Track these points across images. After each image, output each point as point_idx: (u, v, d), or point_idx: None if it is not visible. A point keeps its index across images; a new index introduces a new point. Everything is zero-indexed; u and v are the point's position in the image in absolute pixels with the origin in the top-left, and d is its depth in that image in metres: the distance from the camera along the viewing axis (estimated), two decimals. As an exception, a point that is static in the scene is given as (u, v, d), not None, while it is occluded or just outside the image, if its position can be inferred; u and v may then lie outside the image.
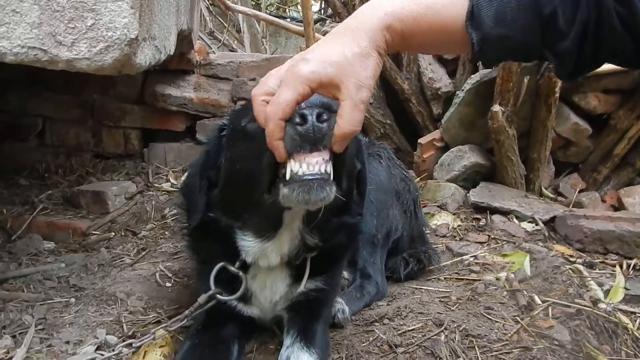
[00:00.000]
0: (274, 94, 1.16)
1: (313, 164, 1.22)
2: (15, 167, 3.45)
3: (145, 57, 1.56)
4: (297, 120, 1.19)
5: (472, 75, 3.34)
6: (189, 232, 1.77)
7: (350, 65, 1.11)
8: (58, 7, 1.34)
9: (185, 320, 1.63)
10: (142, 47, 1.49)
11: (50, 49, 1.34)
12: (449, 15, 1.13)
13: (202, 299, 1.61)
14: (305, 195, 1.24)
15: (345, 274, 2.21)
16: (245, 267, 1.62)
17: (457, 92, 3.43)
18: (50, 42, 1.33)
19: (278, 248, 1.56)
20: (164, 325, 1.69)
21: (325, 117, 1.20)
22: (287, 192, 1.26)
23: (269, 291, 1.68)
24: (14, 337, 1.84)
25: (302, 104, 1.18)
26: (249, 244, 1.56)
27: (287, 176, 1.24)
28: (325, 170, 1.24)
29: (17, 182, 3.32)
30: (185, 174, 1.75)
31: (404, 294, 2.15)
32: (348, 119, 1.13)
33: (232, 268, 1.60)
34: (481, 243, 2.78)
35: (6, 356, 1.71)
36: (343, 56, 1.11)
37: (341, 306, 1.89)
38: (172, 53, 2.16)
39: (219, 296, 1.60)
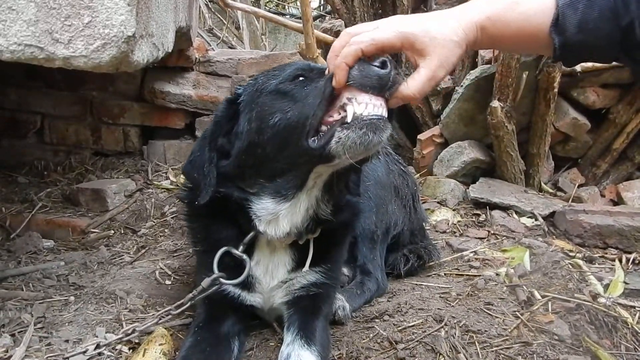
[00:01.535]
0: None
1: (378, 106, 1.27)
2: (14, 165, 3.45)
3: (143, 54, 1.55)
4: (377, 63, 1.25)
5: (471, 71, 3.34)
6: (192, 216, 1.76)
7: (443, 45, 1.23)
8: (54, 5, 1.33)
9: (189, 303, 1.63)
10: (139, 45, 1.48)
11: (47, 46, 1.34)
12: (538, 22, 1.24)
13: (205, 282, 1.60)
14: (371, 135, 1.27)
15: (346, 270, 2.21)
16: (249, 252, 1.62)
17: (457, 88, 3.42)
18: (47, 40, 1.33)
19: (292, 214, 1.53)
20: (166, 309, 1.68)
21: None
22: (347, 133, 1.28)
23: (269, 276, 1.68)
24: (13, 335, 1.84)
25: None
26: (263, 206, 1.52)
27: (349, 118, 1.27)
28: (385, 114, 1.29)
29: (15, 180, 3.31)
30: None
31: (404, 290, 2.15)
32: (418, 85, 1.25)
33: (235, 252, 1.59)
34: (481, 239, 2.78)
35: (5, 355, 1.71)
36: (442, 35, 1.23)
37: (342, 303, 1.89)
38: (170, 50, 2.15)
39: (222, 280, 1.59)
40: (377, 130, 1.27)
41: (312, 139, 1.35)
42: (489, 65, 3.27)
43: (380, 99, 1.28)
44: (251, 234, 1.59)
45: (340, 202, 1.60)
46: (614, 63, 1.40)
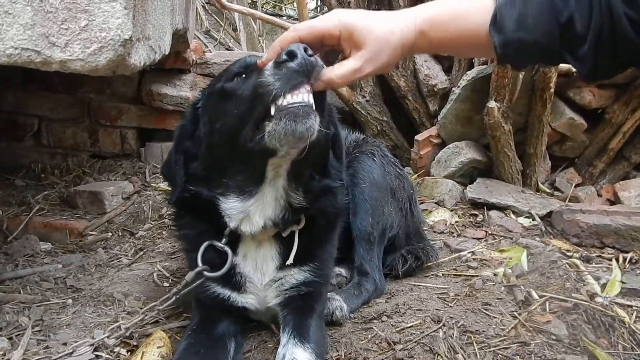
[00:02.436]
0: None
1: (297, 93, 1.28)
2: (11, 168, 3.44)
3: (140, 57, 1.55)
4: (284, 57, 1.26)
5: (468, 72, 3.35)
6: (176, 215, 1.79)
7: (379, 42, 1.25)
8: (51, 9, 1.33)
9: (174, 298, 1.64)
10: (136, 48, 1.48)
11: (43, 50, 1.34)
12: (477, 22, 1.24)
13: (189, 276, 1.61)
14: (292, 124, 1.28)
15: (343, 271, 2.21)
16: (233, 246, 1.62)
17: (453, 89, 3.43)
18: (43, 43, 1.33)
19: (262, 208, 1.54)
20: (151, 305, 1.70)
21: (310, 52, 1.28)
22: (272, 126, 1.30)
23: (260, 272, 1.67)
24: (10, 339, 1.84)
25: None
26: (231, 206, 1.55)
27: (272, 112, 1.29)
28: (308, 100, 1.30)
29: (13, 183, 3.30)
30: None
31: (402, 290, 2.16)
32: (343, 72, 1.28)
33: (218, 244, 1.60)
34: (479, 239, 2.79)
35: (3, 358, 1.70)
36: (380, 32, 1.25)
37: (339, 303, 1.89)
38: (167, 52, 2.15)
39: (206, 273, 1.60)
40: (297, 117, 1.28)
41: (250, 143, 1.38)
42: (485, 66, 3.28)
43: (303, 87, 1.29)
44: (227, 229, 1.60)
45: (313, 188, 1.58)
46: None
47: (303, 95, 1.29)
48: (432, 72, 3.66)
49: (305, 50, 1.27)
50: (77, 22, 1.34)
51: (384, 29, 1.26)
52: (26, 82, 3.50)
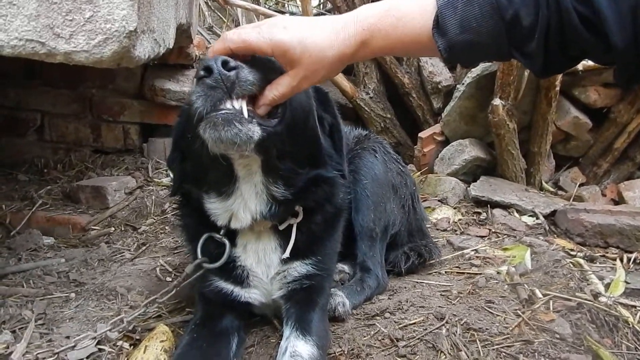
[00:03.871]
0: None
1: (224, 100, 1.27)
2: (14, 163, 3.44)
3: (145, 50, 1.55)
4: (202, 72, 1.24)
5: (473, 69, 3.33)
6: (179, 208, 1.82)
7: (314, 58, 1.21)
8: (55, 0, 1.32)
9: (174, 291, 1.65)
10: (141, 40, 1.47)
11: (48, 41, 1.33)
12: (418, 26, 1.19)
13: (189, 268, 1.62)
14: (214, 133, 1.27)
15: (346, 267, 2.21)
16: (232, 238, 1.62)
17: (458, 86, 3.42)
18: (48, 35, 1.32)
19: (244, 204, 1.54)
20: (152, 298, 1.70)
21: (232, 64, 1.25)
22: (205, 136, 1.29)
23: (264, 263, 1.67)
24: (13, 332, 1.84)
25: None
26: (214, 206, 1.56)
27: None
28: (233, 106, 1.27)
29: (16, 178, 3.31)
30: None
31: (405, 287, 2.15)
32: (280, 91, 1.26)
33: (217, 236, 1.60)
34: (482, 237, 2.78)
35: (6, 351, 1.70)
36: (316, 47, 1.21)
37: (341, 299, 1.88)
38: (171, 46, 2.15)
39: (205, 265, 1.60)
40: (217, 126, 1.26)
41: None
42: (490, 64, 3.26)
43: (225, 103, 1.27)
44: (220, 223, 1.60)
45: (298, 179, 1.55)
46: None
47: (225, 103, 1.27)
48: (436, 69, 3.65)
49: (225, 64, 1.24)
50: (81, 13, 1.33)
51: (321, 45, 1.21)
52: (28, 78, 3.50)
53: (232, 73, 1.24)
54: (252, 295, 1.70)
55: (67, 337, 1.82)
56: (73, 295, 2.12)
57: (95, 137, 3.61)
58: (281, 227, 1.62)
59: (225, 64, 1.23)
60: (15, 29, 1.29)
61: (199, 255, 1.60)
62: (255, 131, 1.29)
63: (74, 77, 3.46)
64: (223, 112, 1.26)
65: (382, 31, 1.21)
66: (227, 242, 1.60)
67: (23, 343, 1.73)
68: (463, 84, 3.34)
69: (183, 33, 2.82)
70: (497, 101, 3.09)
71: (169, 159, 1.76)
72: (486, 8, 1.12)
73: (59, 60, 1.36)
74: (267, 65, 1.33)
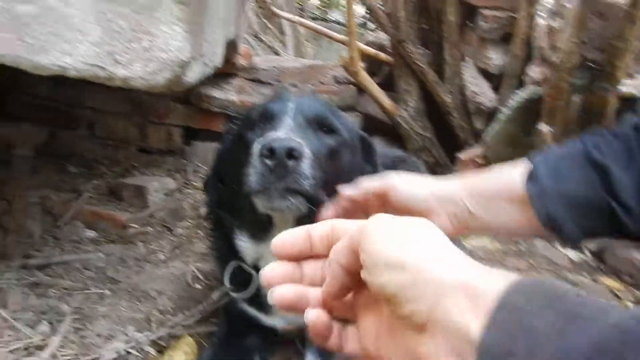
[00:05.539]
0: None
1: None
2: (66, 155, 3.61)
3: (194, 74, 1.64)
4: (265, 151, 1.25)
5: (518, 92, 3.25)
6: (210, 224, 1.87)
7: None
8: (118, 29, 1.42)
9: (200, 315, 1.70)
10: (192, 67, 1.56)
11: (108, 66, 1.43)
12: (514, 187, 1.22)
13: (215, 295, 1.67)
14: (266, 203, 1.32)
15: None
16: (260, 268, 1.65)
17: (502, 108, 3.32)
18: (108, 61, 1.42)
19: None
20: (177, 320, 1.77)
21: (296, 153, 1.27)
22: (252, 199, 1.33)
23: None
24: (51, 324, 1.95)
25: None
26: (245, 245, 1.59)
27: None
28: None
29: (67, 169, 3.47)
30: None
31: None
32: None
33: (245, 266, 1.63)
34: (520, 270, 2.67)
35: (42, 343, 1.82)
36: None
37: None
38: (219, 64, 2.24)
39: (232, 293, 1.65)
40: (271, 198, 1.31)
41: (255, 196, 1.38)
42: (537, 87, 3.17)
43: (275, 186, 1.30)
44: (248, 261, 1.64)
45: None
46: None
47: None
48: (480, 90, 3.58)
49: (290, 152, 1.25)
50: (140, 42, 1.43)
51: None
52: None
53: (292, 163, 1.27)
54: (275, 321, 1.74)
55: (99, 335, 1.93)
56: (108, 292, 2.23)
57: (142, 137, 3.76)
58: None
59: (290, 153, 1.25)
60: (81, 54, 1.40)
61: (227, 283, 1.65)
62: (304, 204, 1.34)
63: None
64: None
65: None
66: (254, 273, 1.63)
67: (58, 336, 1.84)
68: (508, 106, 3.24)
69: (230, 46, 2.92)
70: (543, 126, 2.98)
71: (205, 181, 1.81)
72: (577, 156, 1.14)
73: (117, 84, 1.47)
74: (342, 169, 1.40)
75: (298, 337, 1.86)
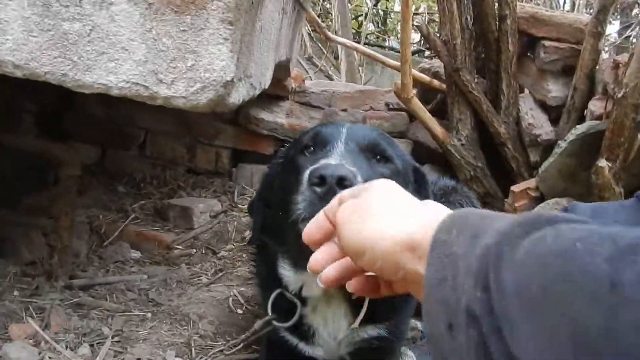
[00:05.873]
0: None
1: None
2: (116, 174, 3.68)
3: (239, 95, 1.60)
4: (315, 179, 1.21)
5: (578, 126, 3.11)
6: (253, 250, 1.83)
7: None
8: (163, 47, 1.40)
9: (241, 345, 1.64)
10: (236, 87, 1.52)
11: (151, 85, 1.41)
12: None
13: (258, 324, 1.62)
14: None
15: (419, 324, 2.11)
16: (303, 297, 1.58)
17: (559, 142, 3.20)
18: (152, 80, 1.40)
19: (317, 279, 1.49)
20: (217, 350, 1.71)
21: (348, 182, 1.19)
22: (300, 227, 1.25)
23: (331, 327, 1.62)
24: (92, 346, 1.93)
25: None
26: (287, 274, 1.54)
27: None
28: None
29: (115, 189, 3.53)
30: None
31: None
32: None
33: (288, 294, 1.58)
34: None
35: (82, 365, 1.79)
36: None
37: (411, 361, 1.81)
38: (267, 87, 2.20)
39: (275, 322, 1.59)
40: None
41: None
42: (598, 122, 3.04)
43: None
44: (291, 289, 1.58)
45: None
46: None
47: None
48: (536, 122, 3.45)
49: (341, 181, 1.18)
50: (184, 61, 1.40)
51: None
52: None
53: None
54: (316, 352, 1.67)
55: (139, 359, 1.89)
56: (150, 315, 2.20)
57: (190, 157, 3.79)
58: (354, 297, 1.57)
59: (341, 181, 1.18)
60: (124, 72, 1.38)
61: (269, 312, 1.59)
62: None
63: (177, 100, 3.67)
64: None
65: None
66: (298, 302, 1.57)
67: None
68: (566, 140, 3.12)
69: (281, 68, 2.90)
70: (603, 162, 2.85)
71: (251, 204, 1.78)
72: None
73: (158, 103, 1.44)
74: None
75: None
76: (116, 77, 1.38)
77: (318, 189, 1.21)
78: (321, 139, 1.46)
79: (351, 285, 0.89)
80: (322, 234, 0.89)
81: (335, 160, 1.28)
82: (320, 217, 0.90)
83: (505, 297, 0.53)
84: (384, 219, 0.76)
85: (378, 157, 1.46)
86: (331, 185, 1.18)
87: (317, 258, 0.89)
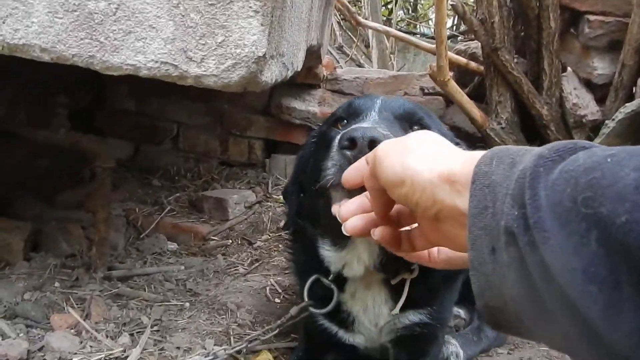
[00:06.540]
0: None
1: None
2: (150, 168, 3.71)
3: (272, 74, 1.55)
4: (345, 142, 1.15)
5: (627, 104, 2.94)
6: (288, 237, 1.78)
7: None
8: (191, 23, 1.36)
9: (277, 330, 1.63)
10: (269, 65, 1.47)
11: (180, 64, 1.37)
12: None
13: (294, 310, 1.58)
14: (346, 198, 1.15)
15: (462, 312, 2.03)
16: (341, 283, 1.53)
17: (607, 122, 3.03)
18: (181, 58, 1.36)
19: (357, 256, 1.44)
20: (255, 334, 1.68)
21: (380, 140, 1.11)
22: (331, 195, 1.23)
23: (372, 314, 1.56)
24: (131, 335, 1.93)
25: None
26: (327, 253, 1.49)
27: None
28: None
29: (150, 183, 3.56)
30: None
31: (529, 343, 1.92)
32: None
33: (325, 280, 1.52)
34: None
35: (122, 355, 1.79)
36: None
37: (455, 349, 1.74)
38: (299, 69, 2.15)
39: (311, 309, 1.54)
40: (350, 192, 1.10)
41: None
42: (646, 97, 2.87)
43: None
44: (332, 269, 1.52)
45: None
46: None
47: None
48: (581, 102, 3.28)
49: (372, 143, 1.09)
50: (214, 37, 1.35)
51: None
52: (168, 91, 3.76)
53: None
54: (357, 339, 1.61)
55: (178, 348, 1.88)
56: (187, 305, 2.19)
57: (223, 150, 3.78)
58: (393, 282, 1.49)
59: (373, 144, 1.09)
60: (152, 52, 1.35)
61: (306, 297, 1.54)
62: None
63: (208, 92, 3.66)
64: None
65: None
66: (335, 288, 1.51)
67: (138, 348, 1.80)
68: (613, 120, 2.95)
69: (313, 54, 2.84)
70: None
71: (285, 190, 1.73)
72: None
73: (189, 83, 1.40)
74: None
75: (381, 356, 1.71)
76: (144, 56, 1.34)
77: (348, 152, 1.13)
78: (354, 109, 1.40)
79: (375, 233, 0.91)
80: (361, 179, 0.90)
81: (368, 124, 1.22)
82: (361, 162, 0.92)
83: (541, 211, 0.57)
84: (425, 154, 0.79)
85: (415, 126, 1.38)
86: (362, 148, 1.10)
87: (349, 208, 0.94)
